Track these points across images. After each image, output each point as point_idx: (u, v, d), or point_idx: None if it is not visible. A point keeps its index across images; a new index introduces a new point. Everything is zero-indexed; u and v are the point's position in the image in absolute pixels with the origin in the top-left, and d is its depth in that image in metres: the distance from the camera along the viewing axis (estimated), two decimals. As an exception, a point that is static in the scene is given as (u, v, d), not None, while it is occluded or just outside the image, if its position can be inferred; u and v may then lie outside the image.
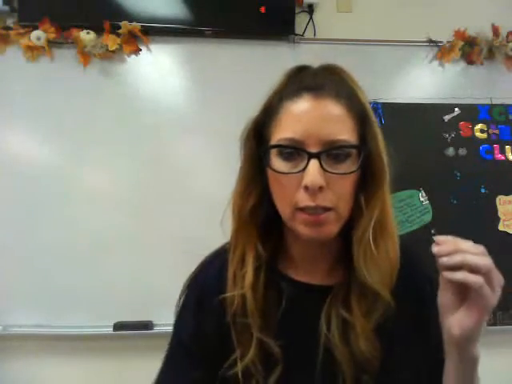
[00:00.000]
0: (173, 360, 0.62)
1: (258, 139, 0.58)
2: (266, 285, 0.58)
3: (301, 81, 0.55)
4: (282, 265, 0.62)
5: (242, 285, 0.57)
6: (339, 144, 0.50)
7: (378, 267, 0.54)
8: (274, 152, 0.53)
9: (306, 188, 0.50)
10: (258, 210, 0.58)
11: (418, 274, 0.62)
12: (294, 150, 0.51)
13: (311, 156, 0.50)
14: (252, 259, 0.58)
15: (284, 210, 0.54)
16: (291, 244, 0.61)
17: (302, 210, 0.51)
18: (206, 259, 0.67)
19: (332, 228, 0.53)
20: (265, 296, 0.57)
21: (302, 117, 0.51)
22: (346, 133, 0.51)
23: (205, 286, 0.63)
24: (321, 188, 0.49)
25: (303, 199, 0.51)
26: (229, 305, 0.57)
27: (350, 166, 0.52)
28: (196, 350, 0.60)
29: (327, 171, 0.50)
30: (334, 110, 0.51)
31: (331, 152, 0.50)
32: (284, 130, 0.52)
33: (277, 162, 0.53)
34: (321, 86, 0.52)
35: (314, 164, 0.49)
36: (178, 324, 0.64)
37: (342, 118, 0.52)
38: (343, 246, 0.59)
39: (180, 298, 0.65)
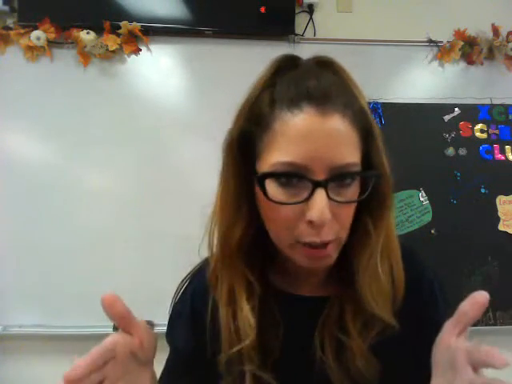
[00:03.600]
0: (166, 371, 0.60)
1: (244, 152, 0.48)
2: (261, 313, 0.51)
3: (300, 84, 0.44)
4: (274, 278, 0.57)
5: (239, 335, 0.50)
6: (348, 170, 0.43)
7: (384, 293, 0.50)
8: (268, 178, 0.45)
9: (311, 222, 0.43)
10: (246, 239, 0.51)
11: (419, 277, 0.58)
12: (298, 177, 0.43)
13: (317, 185, 0.42)
14: (246, 298, 0.51)
15: (281, 240, 0.48)
16: (284, 262, 0.55)
17: (304, 243, 0.45)
18: (200, 266, 0.63)
19: (333, 257, 0.48)
20: (262, 331, 0.51)
21: (305, 137, 0.42)
22: (353, 154, 0.44)
23: (199, 298, 0.59)
24: (327, 221, 0.43)
25: (307, 234, 0.44)
26: (223, 351, 0.51)
27: (355, 190, 0.45)
28: (189, 359, 0.58)
29: (333, 200, 0.43)
30: (340, 127, 0.43)
31: (338, 179, 0.43)
32: (282, 152, 0.43)
33: (272, 189, 0.44)
34: (326, 96, 0.43)
35: (320, 195, 0.42)
36: (173, 336, 0.61)
37: (348, 136, 0.44)
38: (338, 258, 0.53)
39: (172, 309, 0.62)
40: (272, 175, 0.44)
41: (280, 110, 0.44)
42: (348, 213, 0.46)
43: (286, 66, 0.49)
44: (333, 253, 0.47)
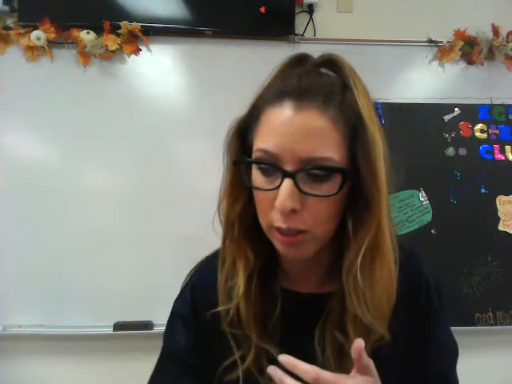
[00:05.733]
0: (163, 370, 0.61)
1: (242, 143, 0.53)
2: (260, 292, 0.55)
3: (285, 82, 0.48)
4: (275, 273, 0.59)
5: (236, 294, 0.54)
6: (319, 163, 0.44)
7: (372, 299, 0.49)
8: (254, 164, 0.49)
9: (278, 209, 0.45)
10: (245, 216, 0.54)
11: (417, 278, 0.58)
12: (270, 166, 0.46)
13: (285, 175, 0.44)
14: (243, 267, 0.54)
15: (262, 224, 0.51)
16: (279, 254, 0.57)
17: (276, 228, 0.48)
18: (201, 263, 0.65)
19: (308, 249, 0.49)
20: (259, 303, 0.54)
21: (280, 128, 0.45)
22: (329, 149, 0.44)
23: (199, 292, 0.61)
24: (294, 210, 0.45)
25: (276, 219, 0.47)
26: (222, 316, 0.55)
27: (333, 186, 0.45)
28: (187, 359, 0.58)
29: (303, 192, 0.45)
30: (316, 122, 0.44)
31: (309, 171, 0.45)
32: (261, 140, 0.47)
33: (255, 175, 0.49)
34: (305, 92, 0.45)
35: (287, 184, 0.44)
36: (169, 334, 0.62)
37: (325, 131, 0.44)
38: (336, 255, 0.53)
39: (171, 310, 0.63)
40: (250, 162, 0.49)
41: (266, 104, 0.48)
42: (323, 207, 0.46)
43: (292, 65, 0.53)
44: (304, 245, 0.48)
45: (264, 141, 0.46)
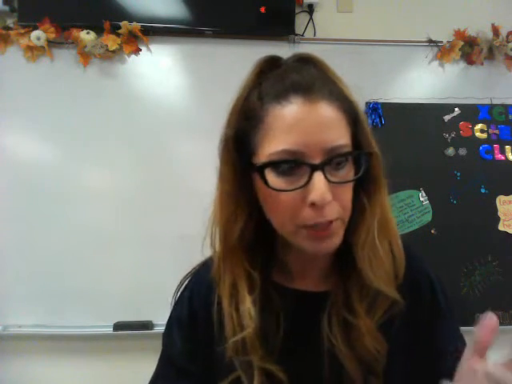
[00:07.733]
0: (160, 374, 0.61)
1: (240, 149, 0.50)
2: (262, 305, 0.53)
3: (284, 79, 0.48)
4: (275, 274, 0.58)
5: (247, 323, 0.51)
6: (341, 151, 0.46)
7: (384, 268, 0.52)
8: (268, 168, 0.47)
9: (313, 204, 0.45)
10: (246, 232, 0.52)
11: (418, 275, 0.59)
12: (298, 163, 0.45)
13: (314, 168, 0.44)
14: (248, 290, 0.52)
15: (285, 227, 0.49)
16: (284, 254, 0.57)
17: (309, 226, 0.47)
18: (196, 268, 0.64)
19: (339, 238, 0.49)
20: (263, 322, 0.53)
21: (297, 124, 0.45)
22: (344, 137, 0.47)
23: (196, 297, 0.60)
24: (329, 201, 0.45)
25: (311, 217, 0.46)
26: (229, 346, 0.52)
27: (349, 171, 0.48)
28: (183, 363, 0.58)
29: (331, 182, 0.45)
30: (328, 112, 0.46)
31: (333, 161, 0.46)
32: (277, 142, 0.45)
33: (272, 179, 0.46)
34: (311, 85, 0.46)
35: (319, 177, 0.44)
36: (167, 338, 0.61)
37: (337, 120, 0.46)
38: (337, 250, 0.53)
39: (170, 314, 0.63)
40: (272, 164, 0.46)
41: (269, 105, 0.47)
42: (346, 193, 0.48)
43: (269, 66, 0.52)
44: (338, 231, 0.49)
45: (282, 141, 0.45)
